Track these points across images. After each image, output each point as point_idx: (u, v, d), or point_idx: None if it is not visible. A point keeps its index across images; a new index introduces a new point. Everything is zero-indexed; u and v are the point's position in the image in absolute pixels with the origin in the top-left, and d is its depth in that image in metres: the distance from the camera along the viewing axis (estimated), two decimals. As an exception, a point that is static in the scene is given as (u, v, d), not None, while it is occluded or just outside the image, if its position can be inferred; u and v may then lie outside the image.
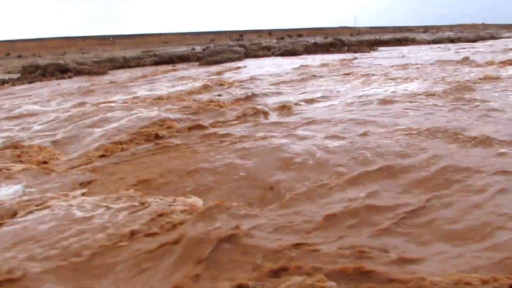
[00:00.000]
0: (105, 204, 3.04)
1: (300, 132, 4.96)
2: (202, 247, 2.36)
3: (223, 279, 2.12)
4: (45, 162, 4.44)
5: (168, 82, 11.62)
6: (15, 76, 16.79)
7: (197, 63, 18.71)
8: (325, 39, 29.51)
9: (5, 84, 14.48)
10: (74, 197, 3.26)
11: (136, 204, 3.01)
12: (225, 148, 4.41)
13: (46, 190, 3.54)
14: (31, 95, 10.88)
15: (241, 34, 52.66)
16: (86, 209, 2.97)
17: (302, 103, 7.12)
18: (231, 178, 3.56)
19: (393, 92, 7.52)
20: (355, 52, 20.79)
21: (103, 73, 16.56)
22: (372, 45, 25.80)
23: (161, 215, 2.85)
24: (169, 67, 17.80)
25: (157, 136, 5.22)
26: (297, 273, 2.11)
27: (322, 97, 7.64)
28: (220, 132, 5.18)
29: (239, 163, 3.88)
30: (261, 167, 3.76)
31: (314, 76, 10.95)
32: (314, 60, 16.26)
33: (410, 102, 6.49)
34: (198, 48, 25.21)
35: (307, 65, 13.91)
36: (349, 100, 7.02)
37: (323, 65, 13.79)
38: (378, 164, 3.63)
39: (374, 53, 19.00)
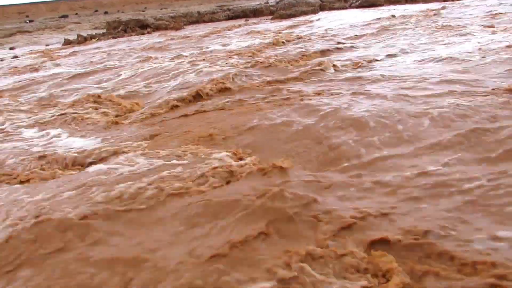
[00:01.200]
0: (167, 156, 3.15)
1: (372, 90, 4.59)
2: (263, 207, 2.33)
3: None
4: (117, 115, 4.73)
5: (240, 37, 11.50)
6: (101, 31, 17.94)
7: (270, 17, 18.21)
8: (412, -13, 26.65)
9: (92, 39, 15.58)
10: (141, 148, 3.43)
11: (195, 158, 3.07)
12: (287, 105, 4.26)
13: (117, 140, 3.78)
14: (113, 49, 11.56)
15: (318, -16, 49.81)
16: (150, 160, 3.10)
17: (378, 58, 6.58)
18: (290, 136, 3.45)
19: (488, 45, 6.57)
20: (444, 1, 18.52)
21: (179, 28, 16.95)
22: (467, -8, 22.67)
23: (218, 168, 2.86)
24: (242, 21, 17.60)
25: (223, 91, 5.23)
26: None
27: (402, 52, 6.96)
28: (287, 88, 5.02)
29: (299, 121, 3.73)
30: (325, 126, 3.57)
31: (395, 29, 10.00)
32: (396, 11, 14.83)
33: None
34: (272, 1, 24.45)
35: (388, 17, 12.75)
36: (434, 56, 6.30)
37: (406, 16, 12.52)
38: (459, 129, 3.23)
39: (466, 0, 16.75)
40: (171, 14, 21.04)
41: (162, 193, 2.61)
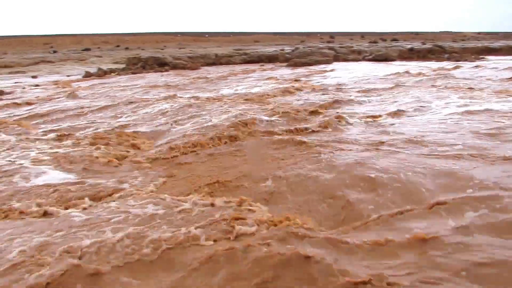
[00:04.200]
0: (176, 200, 3.13)
1: (386, 147, 4.61)
2: (264, 265, 2.26)
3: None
4: (127, 152, 4.80)
5: (255, 82, 11.80)
6: (121, 66, 18.56)
7: (285, 64, 18.75)
8: (423, 44, 27.48)
9: (112, 73, 16.11)
10: (149, 191, 3.43)
11: (204, 205, 3.05)
12: (303, 157, 4.27)
13: (124, 180, 3.79)
14: (131, 85, 11.89)
15: (331, 36, 51.64)
16: (158, 204, 3.09)
17: (391, 114, 6.65)
18: (305, 190, 3.41)
19: (500, 110, 6.63)
20: (457, 61, 18.96)
21: (196, 68, 17.48)
22: (479, 53, 23.26)
23: (226, 219, 2.82)
24: (257, 66, 18.13)
25: (236, 138, 5.27)
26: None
27: (415, 109, 7.04)
28: (299, 139, 5.05)
29: (315, 175, 3.71)
30: (338, 182, 3.55)
31: (408, 85, 10.20)
32: (408, 67, 15.19)
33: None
34: (287, 49, 25.28)
35: (400, 73, 13.04)
36: (446, 116, 6.35)
37: (419, 74, 12.79)
38: (475, 192, 3.18)
39: (480, 62, 17.12)
40: (189, 55, 21.77)
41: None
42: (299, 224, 2.69)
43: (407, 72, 13.21)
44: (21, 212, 3.22)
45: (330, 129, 5.67)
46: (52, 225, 2.91)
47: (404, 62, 18.69)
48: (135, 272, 2.31)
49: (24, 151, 5.06)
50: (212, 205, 3.09)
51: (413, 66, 16.25)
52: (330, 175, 3.66)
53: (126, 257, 2.40)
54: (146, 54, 21.56)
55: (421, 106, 7.28)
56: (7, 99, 9.91)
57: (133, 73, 16.15)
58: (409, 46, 24.12)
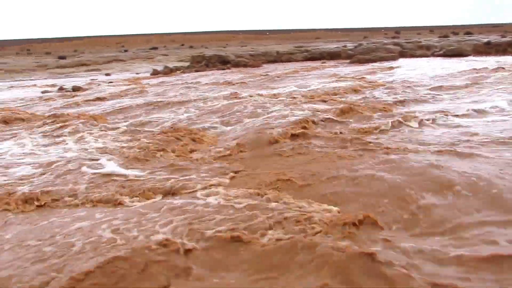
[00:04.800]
0: (243, 197, 3.17)
1: (463, 149, 4.27)
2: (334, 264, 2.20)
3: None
4: (195, 149, 4.94)
5: (317, 79, 11.61)
6: (186, 64, 19.29)
7: (348, 61, 18.22)
8: (503, 37, 25.16)
9: (177, 71, 16.81)
10: (218, 186, 3.50)
11: (271, 203, 3.04)
12: (371, 157, 4.10)
13: (194, 175, 3.90)
14: (195, 82, 12.29)
15: (397, 31, 49.21)
16: (226, 199, 3.14)
17: (465, 114, 6.16)
18: (375, 191, 3.27)
19: None
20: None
21: (257, 66, 17.63)
22: None
23: (295, 219, 2.79)
24: (319, 63, 17.83)
25: (301, 136, 5.21)
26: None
27: (494, 108, 6.47)
28: (366, 139, 4.86)
29: (383, 177, 3.54)
30: (408, 184, 3.35)
31: (485, 82, 9.40)
32: (485, 63, 13.99)
33: None
34: (350, 45, 24.57)
35: (477, 69, 12.05)
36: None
37: (497, 69, 11.73)
38: None
39: None
40: (251, 52, 22.03)
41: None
42: (372, 224, 2.58)
43: (483, 67, 12.19)
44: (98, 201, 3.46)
45: (399, 129, 5.39)
46: (133, 214, 3.09)
47: (480, 58, 17.25)
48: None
49: (98, 144, 5.44)
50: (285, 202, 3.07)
51: (491, 61, 14.94)
52: (402, 177, 3.46)
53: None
54: (210, 52, 22.19)
55: (501, 105, 6.66)
56: (85, 94, 10.75)
57: (196, 70, 16.70)
58: (485, 40, 22.23)
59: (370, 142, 4.66)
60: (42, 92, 11.73)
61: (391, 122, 5.61)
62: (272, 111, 6.74)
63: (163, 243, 2.52)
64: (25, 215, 3.33)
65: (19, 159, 4.86)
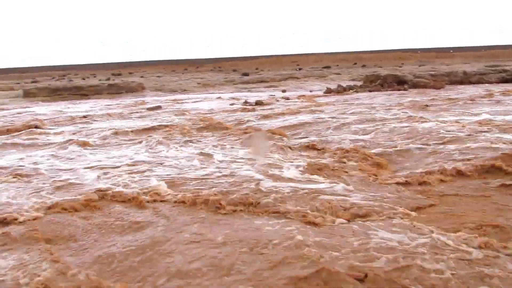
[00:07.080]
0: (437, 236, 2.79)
1: None
2: None
3: None
4: (374, 174, 4.69)
5: (520, 105, 9.72)
6: (359, 83, 19.03)
7: None
8: None
9: (350, 90, 16.71)
10: (405, 216, 3.20)
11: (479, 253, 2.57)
12: None
13: (376, 200, 3.68)
14: (369, 102, 11.93)
15: None
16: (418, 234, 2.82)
17: None
18: None
19: None
20: None
21: (440, 87, 16.00)
22: None
23: None
24: (521, 86, 14.98)
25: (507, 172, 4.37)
26: None
27: None
28: None
29: None
30: None
31: None
32: None
33: None
34: None
35: None
36: None
37: None
38: None
39: None
40: (431, 72, 20.15)
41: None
42: None
43: None
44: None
45: None
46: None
47: None
48: None
49: (282, 158, 5.76)
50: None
51: None
52: None
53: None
54: (384, 72, 21.35)
55: None
56: (266, 109, 11.72)
57: (370, 90, 16.25)
58: None
59: None
60: (230, 105, 13.35)
61: None
62: (464, 138, 5.93)
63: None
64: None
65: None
